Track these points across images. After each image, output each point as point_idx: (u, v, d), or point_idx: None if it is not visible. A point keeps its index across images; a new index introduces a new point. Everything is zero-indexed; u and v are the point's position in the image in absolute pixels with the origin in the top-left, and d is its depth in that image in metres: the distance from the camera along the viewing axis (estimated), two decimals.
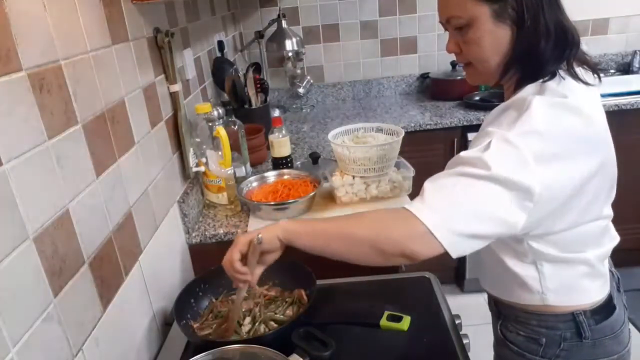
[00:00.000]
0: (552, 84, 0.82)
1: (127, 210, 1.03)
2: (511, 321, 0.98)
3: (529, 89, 0.83)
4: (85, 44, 0.91)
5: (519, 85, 0.85)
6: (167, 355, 1.08)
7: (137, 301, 1.06)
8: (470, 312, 2.02)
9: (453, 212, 0.76)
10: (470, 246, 0.78)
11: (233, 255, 0.88)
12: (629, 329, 0.98)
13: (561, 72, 0.83)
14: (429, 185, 0.79)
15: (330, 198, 1.50)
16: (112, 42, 1.03)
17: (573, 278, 0.90)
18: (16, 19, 0.70)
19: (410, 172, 1.49)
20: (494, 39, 0.83)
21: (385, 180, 1.48)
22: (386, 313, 1.00)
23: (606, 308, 0.93)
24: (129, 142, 1.08)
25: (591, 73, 0.88)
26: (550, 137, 0.75)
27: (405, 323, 0.99)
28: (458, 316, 1.09)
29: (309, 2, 2.74)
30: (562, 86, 0.81)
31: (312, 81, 2.77)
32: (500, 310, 1.01)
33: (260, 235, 0.86)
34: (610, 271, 0.98)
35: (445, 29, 0.90)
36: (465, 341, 1.01)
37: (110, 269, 0.93)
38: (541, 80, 0.82)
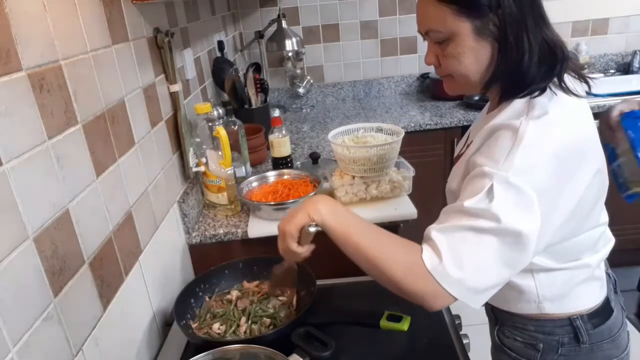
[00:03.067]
0: (541, 99, 0.79)
1: (127, 210, 1.03)
2: (508, 327, 0.97)
3: (517, 104, 0.80)
4: (85, 44, 0.91)
5: (504, 97, 0.83)
6: (167, 355, 1.08)
7: (137, 301, 1.06)
8: (470, 312, 2.02)
9: (470, 272, 0.74)
10: (488, 295, 0.77)
11: (291, 247, 0.90)
12: (628, 332, 0.97)
13: (552, 87, 0.80)
14: (440, 237, 0.76)
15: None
16: (112, 42, 1.03)
17: (570, 285, 0.90)
18: (16, 19, 0.70)
19: (410, 172, 1.49)
20: (475, 55, 0.80)
21: (385, 180, 1.48)
22: (386, 313, 1.00)
23: (603, 311, 0.92)
24: (129, 142, 1.07)
25: (579, 81, 0.86)
26: (548, 165, 0.74)
27: (405, 323, 0.99)
28: (458, 316, 1.09)
29: (309, 2, 2.74)
30: (553, 101, 0.79)
31: (312, 81, 2.78)
32: (497, 316, 1.00)
33: (316, 226, 0.87)
34: (607, 273, 0.97)
35: (425, 39, 0.87)
36: (465, 341, 1.01)
37: (110, 269, 0.93)
38: (529, 97, 0.80)
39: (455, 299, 0.75)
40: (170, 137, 1.35)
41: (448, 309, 1.10)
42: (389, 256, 0.80)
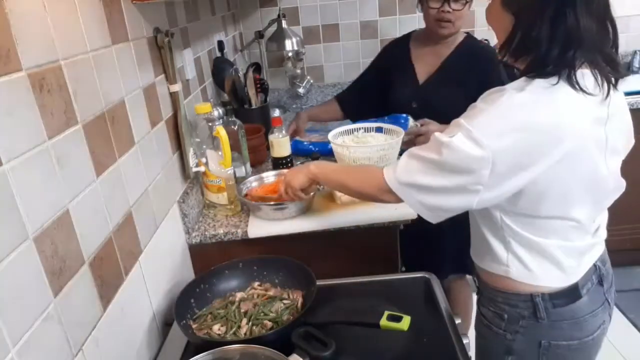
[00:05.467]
0: (540, 80, 0.86)
1: (127, 210, 1.03)
2: (485, 297, 1.08)
3: (518, 81, 0.90)
4: (85, 44, 0.91)
5: (522, 74, 0.91)
6: (167, 355, 1.08)
7: (137, 301, 1.06)
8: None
9: (413, 186, 0.95)
10: (436, 215, 0.96)
11: (298, 195, 1.30)
12: (603, 321, 1.02)
13: (562, 76, 0.85)
14: (404, 158, 0.98)
15: (330, 198, 1.50)
16: (112, 42, 1.03)
17: (536, 260, 0.98)
18: (16, 19, 0.70)
19: None
20: (497, 21, 0.94)
21: None
22: (386, 313, 1.00)
23: (568, 295, 0.99)
24: (129, 142, 1.07)
25: (600, 81, 0.88)
26: (514, 134, 0.84)
27: (405, 323, 0.99)
28: (458, 316, 1.09)
29: (309, 2, 2.74)
30: (549, 86, 0.85)
31: (312, 81, 2.77)
32: (479, 287, 1.12)
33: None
34: (594, 265, 1.02)
35: None
36: (465, 341, 1.01)
37: (110, 269, 0.93)
38: (532, 74, 0.87)
39: (402, 200, 0.98)
40: (170, 137, 1.35)
41: (448, 309, 1.11)
42: (356, 175, 1.14)
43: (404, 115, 1.60)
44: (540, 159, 0.85)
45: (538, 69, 0.87)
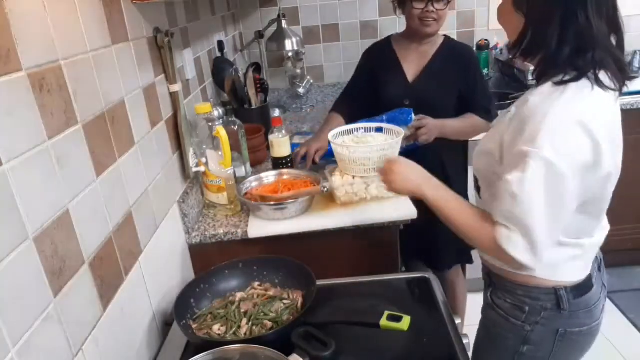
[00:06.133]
0: (572, 89, 0.88)
1: (127, 210, 1.03)
2: (501, 290, 1.08)
3: (545, 88, 0.90)
4: (85, 44, 0.91)
5: (540, 76, 0.94)
6: (167, 355, 1.08)
7: (137, 301, 1.06)
8: (470, 312, 2.03)
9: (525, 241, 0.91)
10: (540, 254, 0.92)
11: (387, 189, 1.16)
12: (603, 305, 1.08)
13: (589, 77, 0.88)
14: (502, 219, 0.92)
15: (330, 198, 1.50)
16: (112, 42, 1.03)
17: (562, 259, 1.00)
18: (16, 19, 0.70)
19: None
20: (508, 21, 0.96)
21: None
22: (386, 313, 1.00)
23: (584, 286, 1.03)
24: (129, 142, 1.08)
25: (609, 79, 0.91)
26: (568, 138, 0.85)
27: (405, 323, 0.99)
28: (458, 316, 1.09)
29: (309, 2, 2.74)
30: (581, 87, 0.88)
31: (312, 81, 2.77)
32: (492, 280, 1.11)
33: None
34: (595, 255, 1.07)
35: None
36: (465, 341, 1.01)
37: (110, 269, 0.93)
38: (561, 78, 0.88)
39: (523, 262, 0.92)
40: (170, 137, 1.35)
41: (448, 309, 1.11)
42: (471, 234, 1.00)
43: (407, 109, 1.65)
44: (597, 160, 0.87)
45: (549, 69, 0.91)
